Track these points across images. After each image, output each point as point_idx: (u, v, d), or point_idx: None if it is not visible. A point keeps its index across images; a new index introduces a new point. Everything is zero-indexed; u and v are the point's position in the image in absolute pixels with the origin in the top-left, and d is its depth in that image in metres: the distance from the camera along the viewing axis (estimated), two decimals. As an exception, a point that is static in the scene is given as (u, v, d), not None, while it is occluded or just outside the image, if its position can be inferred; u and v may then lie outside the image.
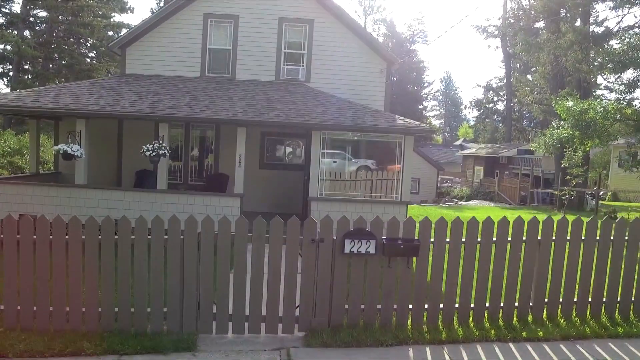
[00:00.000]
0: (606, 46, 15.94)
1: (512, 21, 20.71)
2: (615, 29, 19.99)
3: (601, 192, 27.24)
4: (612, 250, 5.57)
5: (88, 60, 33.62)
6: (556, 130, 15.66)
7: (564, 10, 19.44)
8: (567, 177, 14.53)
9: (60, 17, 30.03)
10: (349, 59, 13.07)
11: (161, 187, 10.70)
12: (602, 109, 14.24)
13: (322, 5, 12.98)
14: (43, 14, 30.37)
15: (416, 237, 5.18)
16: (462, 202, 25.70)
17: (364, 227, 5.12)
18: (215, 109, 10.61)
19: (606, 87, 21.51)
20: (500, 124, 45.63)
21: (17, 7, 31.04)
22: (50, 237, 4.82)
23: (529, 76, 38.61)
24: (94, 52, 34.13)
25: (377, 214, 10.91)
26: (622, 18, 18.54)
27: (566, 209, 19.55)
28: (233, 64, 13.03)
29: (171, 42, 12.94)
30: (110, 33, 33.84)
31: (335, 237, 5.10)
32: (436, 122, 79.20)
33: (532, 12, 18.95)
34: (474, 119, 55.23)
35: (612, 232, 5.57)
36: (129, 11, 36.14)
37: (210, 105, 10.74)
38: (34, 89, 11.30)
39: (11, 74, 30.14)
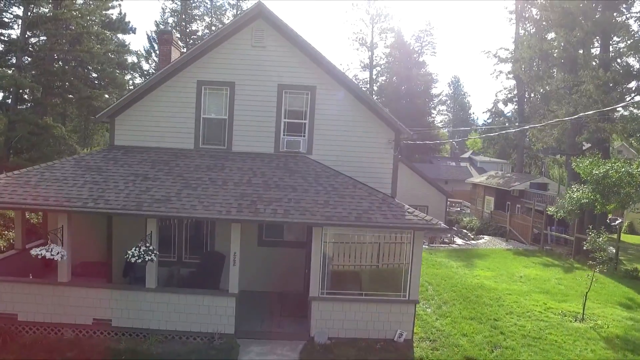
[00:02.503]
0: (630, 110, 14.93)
1: (524, 55, 19.69)
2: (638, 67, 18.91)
3: (617, 221, 26.14)
4: None
5: (91, 80, 32.93)
6: (576, 194, 14.69)
7: (580, 41, 18.42)
8: (590, 262, 13.55)
9: (60, 41, 29.30)
10: (353, 128, 12.14)
11: (150, 285, 9.92)
12: (626, 173, 13.23)
13: (325, 70, 12.03)
14: (42, 40, 29.68)
15: None
16: (473, 240, 24.68)
17: None
18: (207, 201, 9.75)
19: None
20: (511, 150, 44.19)
21: (16, 32, 30.45)
22: None
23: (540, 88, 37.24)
24: (95, 74, 33.42)
25: (382, 313, 10.20)
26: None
27: (582, 256, 18.54)
28: (229, 134, 12.15)
29: (163, 111, 12.08)
30: (111, 56, 33.12)
31: None
32: (444, 130, 77.79)
33: (549, 61, 17.92)
34: (484, 142, 53.80)
35: None
36: (130, 32, 35.42)
37: (202, 197, 9.88)
38: (15, 173, 10.43)
39: (9, 100, 29.50)
